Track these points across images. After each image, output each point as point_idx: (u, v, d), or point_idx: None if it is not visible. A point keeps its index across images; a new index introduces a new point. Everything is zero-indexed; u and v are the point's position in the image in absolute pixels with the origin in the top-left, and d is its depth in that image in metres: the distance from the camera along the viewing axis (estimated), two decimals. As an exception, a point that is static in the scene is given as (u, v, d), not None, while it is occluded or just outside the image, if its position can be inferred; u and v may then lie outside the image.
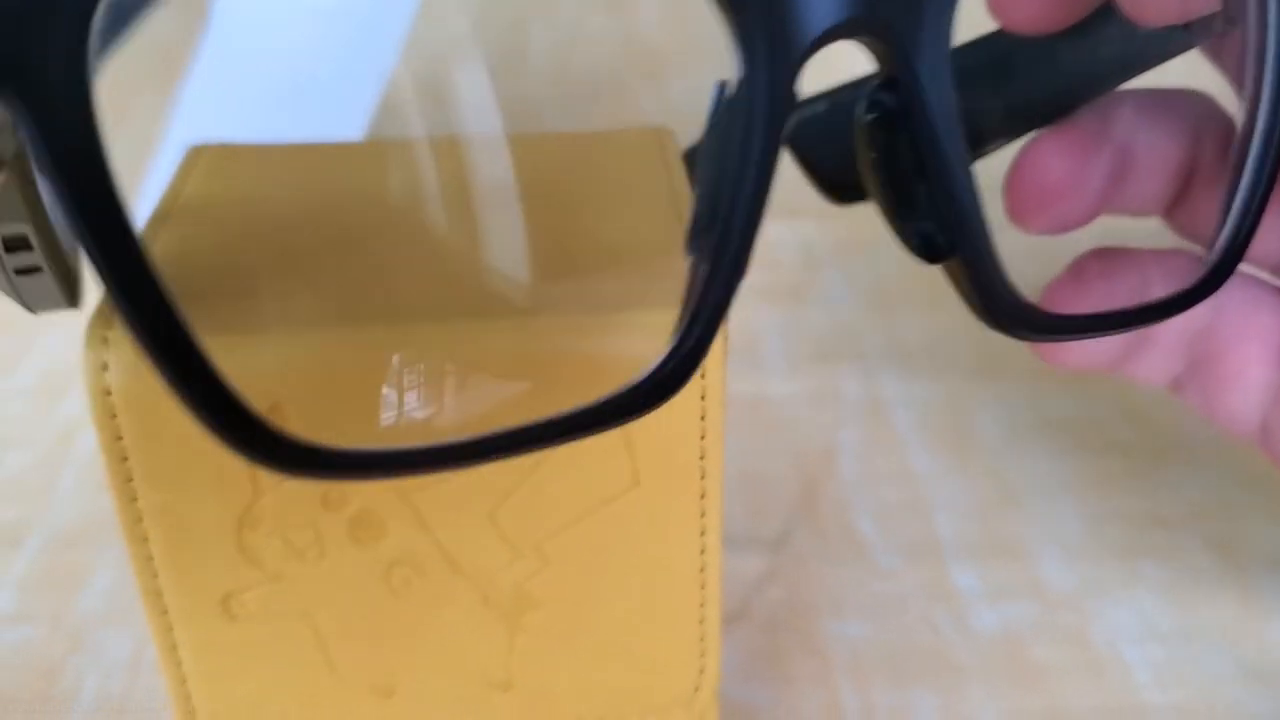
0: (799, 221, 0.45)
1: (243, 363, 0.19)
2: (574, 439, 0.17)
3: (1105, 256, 0.25)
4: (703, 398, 0.20)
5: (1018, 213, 0.23)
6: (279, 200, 0.23)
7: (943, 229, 0.19)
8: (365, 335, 0.19)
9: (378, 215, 0.23)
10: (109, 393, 0.19)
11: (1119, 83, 0.25)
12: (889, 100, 0.18)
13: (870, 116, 0.19)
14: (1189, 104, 0.25)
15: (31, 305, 0.22)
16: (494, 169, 0.24)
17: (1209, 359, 0.25)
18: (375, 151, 0.25)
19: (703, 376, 0.20)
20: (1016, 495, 0.34)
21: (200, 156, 0.24)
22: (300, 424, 0.19)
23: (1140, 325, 0.22)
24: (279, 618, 0.21)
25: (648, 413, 0.17)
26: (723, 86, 0.17)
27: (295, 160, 0.24)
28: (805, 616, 0.30)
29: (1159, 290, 0.23)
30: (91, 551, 0.32)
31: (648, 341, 0.18)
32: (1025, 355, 0.27)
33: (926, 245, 0.20)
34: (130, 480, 0.20)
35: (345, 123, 0.39)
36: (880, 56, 0.18)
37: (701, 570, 0.22)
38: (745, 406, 0.37)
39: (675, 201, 0.22)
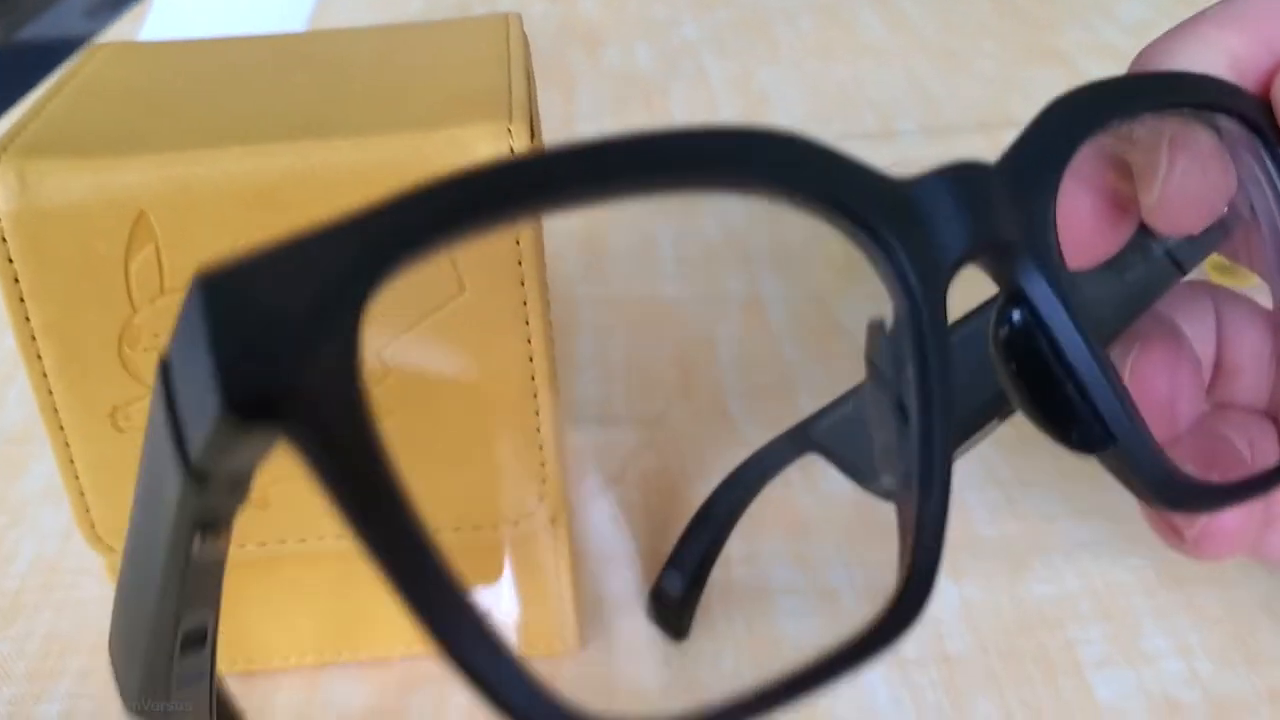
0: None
1: (109, 180, 0.22)
2: (837, 679, 0.17)
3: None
4: (519, 230, 0.23)
5: None
6: (161, 78, 0.26)
7: (1096, 424, 0.20)
8: (219, 153, 0.22)
9: (253, 82, 0.26)
10: (-2, 218, 0.22)
11: (1145, 305, 0.26)
12: (1019, 314, 0.20)
13: (1003, 331, 0.20)
14: (1204, 294, 0.27)
15: None
16: (353, 44, 0.28)
17: (1265, 506, 0.25)
18: (264, 41, 0.28)
19: (518, 228, 0.23)
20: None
21: (98, 52, 0.27)
22: (164, 230, 0.22)
23: None
24: (161, 430, 0.24)
25: (902, 638, 0.17)
26: (881, 324, 0.19)
27: (187, 51, 0.28)
28: (674, 479, 0.33)
29: (1262, 458, 0.24)
30: (35, 445, 0.35)
31: (471, 152, 0.21)
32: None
33: (1085, 441, 0.20)
34: (22, 300, 0.23)
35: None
36: (1000, 276, 0.19)
37: (532, 378, 0.25)
38: (636, 306, 0.40)
39: (504, 59, 0.26)
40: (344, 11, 0.67)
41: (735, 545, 0.31)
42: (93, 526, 0.25)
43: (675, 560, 0.30)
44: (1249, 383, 0.26)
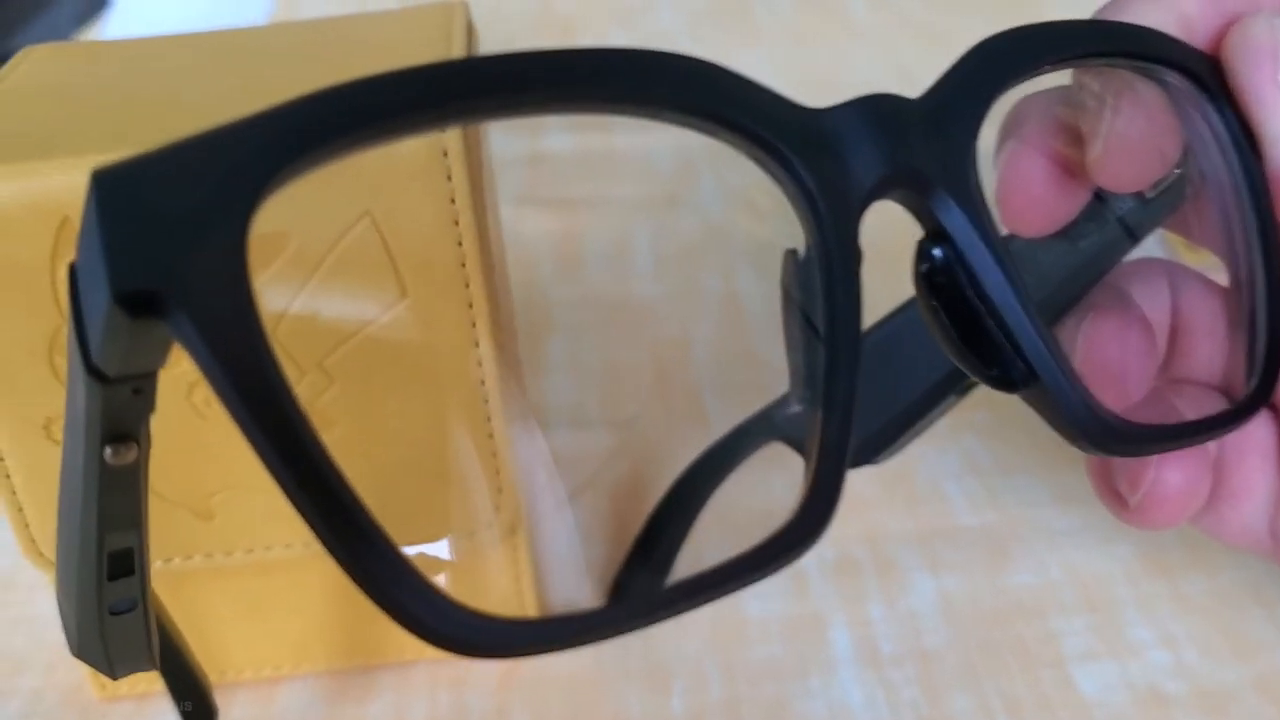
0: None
1: (31, 185, 0.21)
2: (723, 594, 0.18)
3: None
4: (453, 201, 0.22)
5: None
6: (92, 79, 0.25)
7: (1018, 361, 0.20)
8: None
9: (186, 81, 0.25)
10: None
11: (1099, 275, 0.26)
12: (939, 251, 0.19)
13: (924, 267, 0.20)
14: (1159, 269, 0.26)
15: (115, 664, 0.21)
16: (291, 38, 0.27)
17: (1217, 479, 0.25)
18: (200, 38, 0.28)
19: (452, 200, 0.22)
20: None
21: (29, 55, 0.27)
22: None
23: (1216, 434, 0.23)
24: (98, 442, 0.24)
25: (802, 554, 0.18)
26: (794, 253, 0.19)
27: (123, 50, 0.27)
28: (646, 485, 0.33)
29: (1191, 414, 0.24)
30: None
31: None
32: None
33: (1007, 378, 0.20)
34: (-53, 312, 0.22)
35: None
36: (920, 212, 0.19)
37: (482, 384, 0.24)
38: (612, 307, 0.39)
39: (446, 45, 0.25)
40: (309, 8, 0.66)
41: (704, 534, 0.30)
42: (33, 542, 0.25)
43: (637, 551, 0.29)
44: (1202, 357, 0.26)
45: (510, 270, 0.31)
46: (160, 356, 0.15)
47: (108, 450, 0.16)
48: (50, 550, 0.25)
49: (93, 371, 0.15)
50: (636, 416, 0.35)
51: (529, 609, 0.28)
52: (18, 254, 0.22)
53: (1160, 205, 0.25)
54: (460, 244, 0.23)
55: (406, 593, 0.14)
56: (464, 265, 0.23)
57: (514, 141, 0.48)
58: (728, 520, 0.30)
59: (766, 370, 0.36)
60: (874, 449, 0.26)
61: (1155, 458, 0.24)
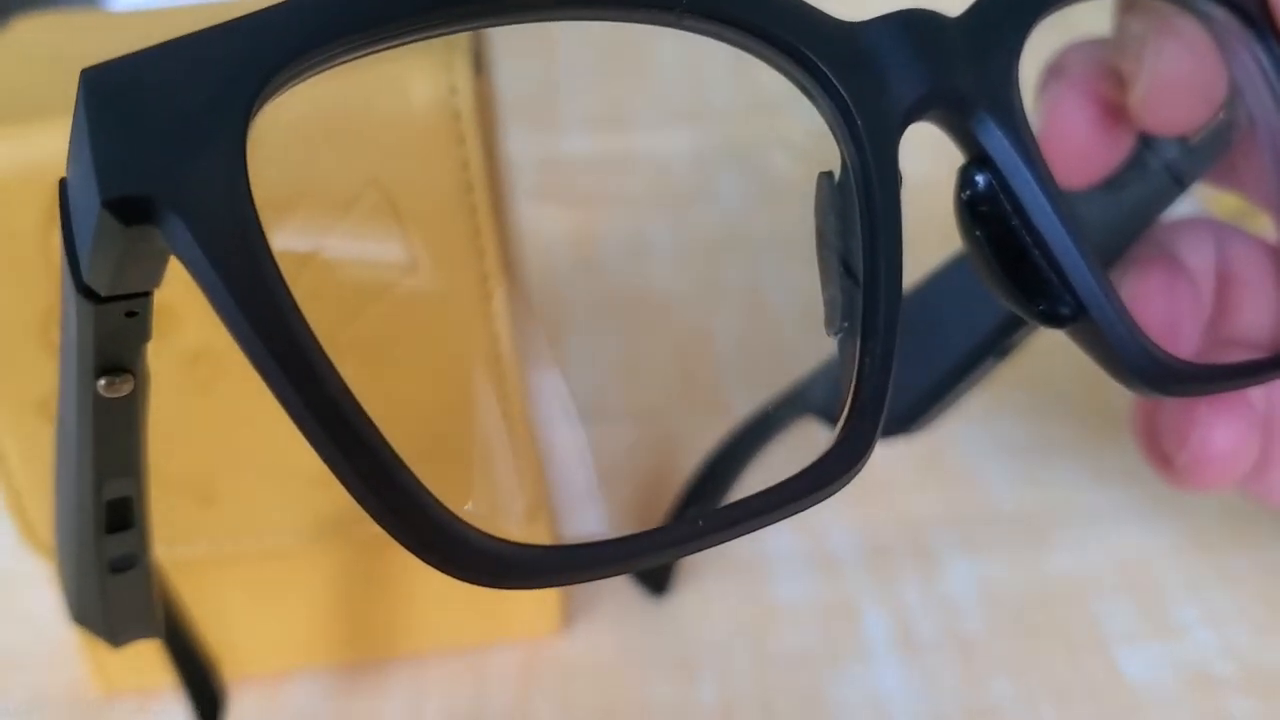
0: (696, 127, 0.46)
1: (22, 149, 0.20)
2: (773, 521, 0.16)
3: None
4: (466, 167, 0.21)
5: None
6: (88, 45, 0.24)
7: (1066, 294, 0.18)
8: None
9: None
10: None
11: (1144, 225, 0.25)
12: (982, 177, 0.18)
13: (967, 194, 0.18)
14: (1204, 225, 0.25)
15: (116, 629, 0.20)
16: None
17: (1266, 441, 0.24)
18: (199, 10, 0.26)
19: (465, 166, 0.21)
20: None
21: (25, 22, 0.26)
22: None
23: (1271, 376, 0.21)
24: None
25: (835, 490, 0.17)
26: (829, 176, 0.18)
27: (120, 20, 0.26)
28: (670, 474, 0.31)
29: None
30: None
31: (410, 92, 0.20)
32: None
33: (1053, 313, 0.19)
34: (-61, 289, 0.21)
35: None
36: (961, 136, 0.18)
37: (499, 362, 0.23)
38: (633, 303, 0.38)
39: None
40: None
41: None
42: (30, 526, 0.23)
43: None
44: (1250, 317, 0.24)
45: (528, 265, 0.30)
46: (155, 273, 0.14)
47: (101, 382, 0.15)
48: (49, 535, 0.23)
49: (83, 290, 0.14)
50: (658, 409, 0.34)
51: (550, 601, 0.27)
52: (7, 222, 0.21)
53: (1206, 151, 0.23)
54: (475, 213, 0.22)
55: (434, 526, 0.14)
56: (479, 234, 0.22)
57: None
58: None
59: (791, 361, 0.35)
60: (909, 418, 0.25)
61: (1202, 415, 0.22)
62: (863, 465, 0.17)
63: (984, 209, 0.18)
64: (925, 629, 0.27)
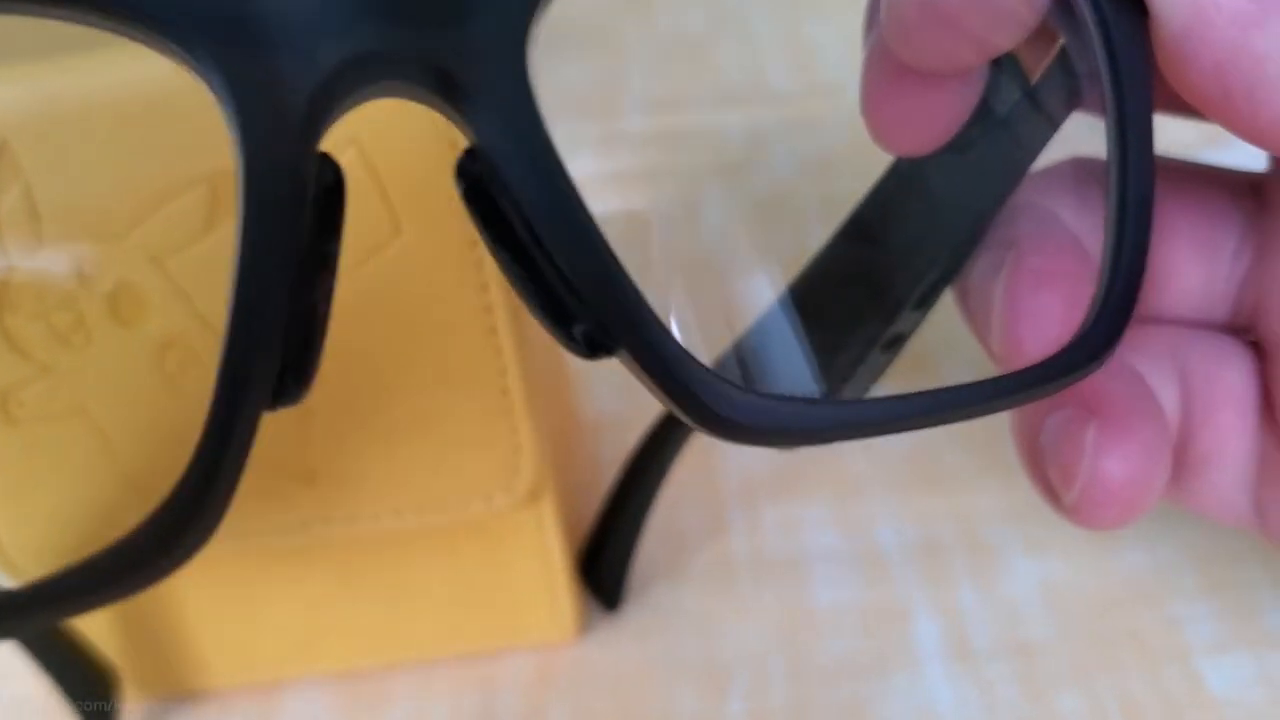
0: (749, 109, 0.44)
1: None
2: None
3: None
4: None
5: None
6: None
7: (598, 320, 0.15)
8: (93, 61, 0.18)
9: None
10: None
11: (1008, 186, 0.21)
12: (474, 168, 0.15)
13: (462, 186, 0.15)
14: (1067, 171, 0.22)
15: None
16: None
17: (1182, 442, 0.21)
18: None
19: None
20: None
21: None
22: (33, 162, 0.19)
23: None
24: (58, 418, 0.20)
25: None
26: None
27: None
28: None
29: None
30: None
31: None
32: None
33: (591, 342, 0.15)
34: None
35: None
36: (457, 120, 0.15)
37: (493, 332, 0.21)
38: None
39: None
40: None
41: (767, 512, 0.27)
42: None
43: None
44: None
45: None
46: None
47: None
48: (20, 553, 0.22)
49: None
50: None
51: (557, 586, 0.24)
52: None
53: (1053, 89, 0.20)
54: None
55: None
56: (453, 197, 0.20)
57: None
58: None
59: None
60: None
61: (1091, 443, 0.19)
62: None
63: (487, 212, 0.15)
64: (981, 636, 0.25)
